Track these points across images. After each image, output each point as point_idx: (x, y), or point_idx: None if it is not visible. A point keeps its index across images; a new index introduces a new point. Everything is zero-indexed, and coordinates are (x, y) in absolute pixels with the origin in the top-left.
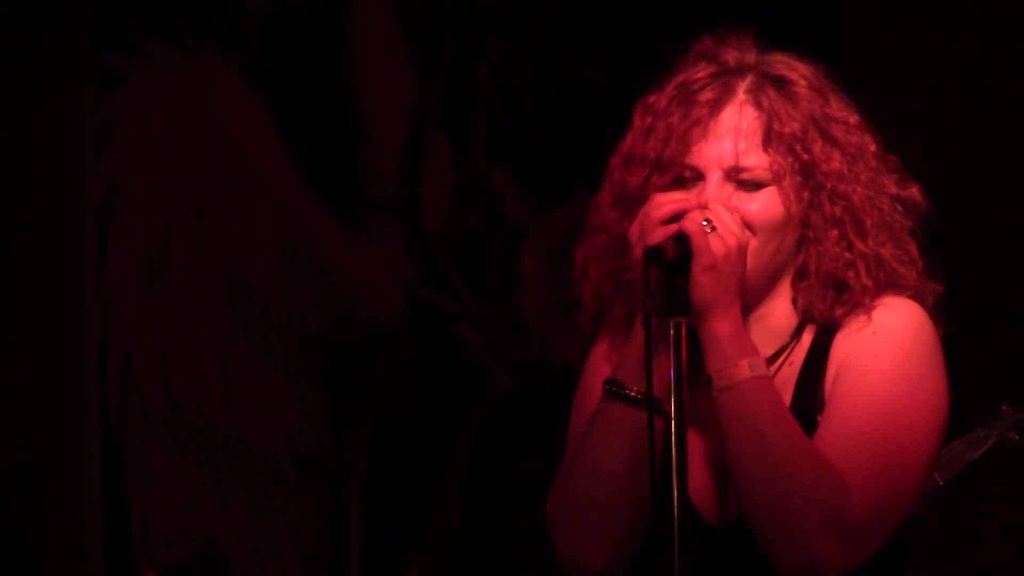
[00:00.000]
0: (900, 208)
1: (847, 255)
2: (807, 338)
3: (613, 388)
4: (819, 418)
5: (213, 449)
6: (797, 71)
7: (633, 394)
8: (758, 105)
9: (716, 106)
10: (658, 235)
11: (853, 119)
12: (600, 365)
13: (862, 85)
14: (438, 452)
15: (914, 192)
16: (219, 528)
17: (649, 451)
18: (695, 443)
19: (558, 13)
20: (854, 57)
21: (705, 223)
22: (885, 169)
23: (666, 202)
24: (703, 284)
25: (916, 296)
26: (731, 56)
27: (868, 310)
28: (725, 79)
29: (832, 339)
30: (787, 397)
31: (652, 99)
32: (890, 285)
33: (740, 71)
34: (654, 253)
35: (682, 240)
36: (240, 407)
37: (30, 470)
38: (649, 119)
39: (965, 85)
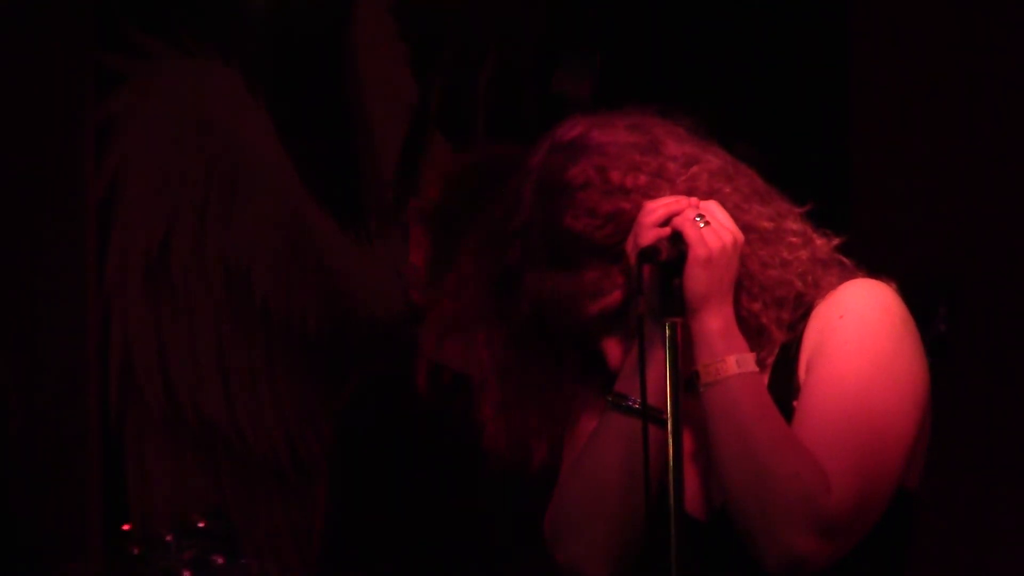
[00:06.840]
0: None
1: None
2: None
3: (614, 399)
4: (795, 404)
5: (213, 449)
6: (564, 177)
7: (635, 406)
8: (553, 255)
9: (532, 265)
10: (651, 236)
11: (641, 179)
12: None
13: (863, 86)
14: (438, 452)
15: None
16: None
17: (644, 445)
18: (684, 436)
19: (557, 14)
20: (853, 58)
21: (698, 218)
22: (737, 190)
23: (658, 206)
24: (698, 277)
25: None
26: (516, 219)
27: (835, 294)
28: (521, 244)
29: (805, 326)
30: None
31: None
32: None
33: (527, 226)
34: (648, 253)
35: (677, 241)
36: (240, 407)
37: (30, 468)
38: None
39: (966, 84)
